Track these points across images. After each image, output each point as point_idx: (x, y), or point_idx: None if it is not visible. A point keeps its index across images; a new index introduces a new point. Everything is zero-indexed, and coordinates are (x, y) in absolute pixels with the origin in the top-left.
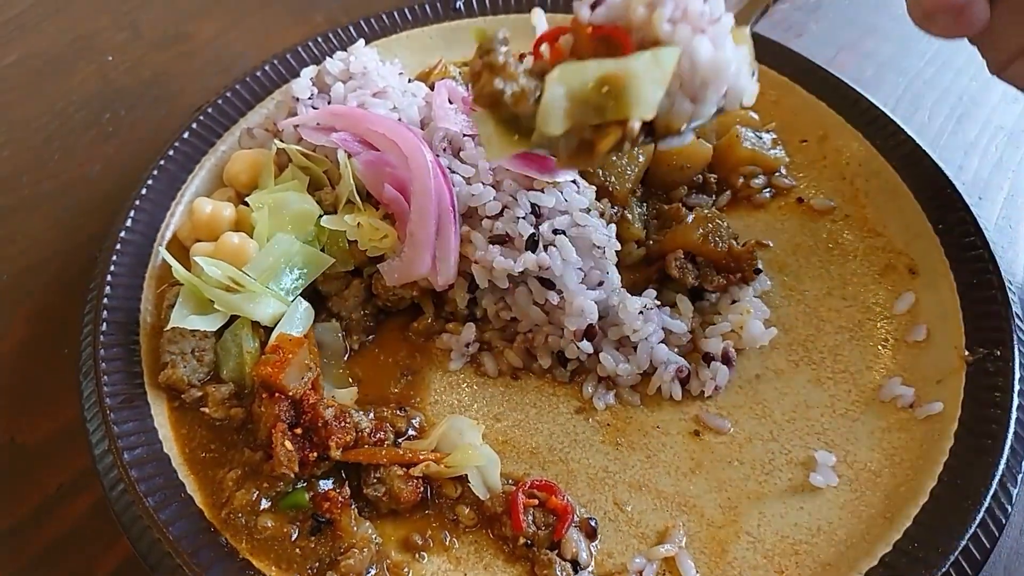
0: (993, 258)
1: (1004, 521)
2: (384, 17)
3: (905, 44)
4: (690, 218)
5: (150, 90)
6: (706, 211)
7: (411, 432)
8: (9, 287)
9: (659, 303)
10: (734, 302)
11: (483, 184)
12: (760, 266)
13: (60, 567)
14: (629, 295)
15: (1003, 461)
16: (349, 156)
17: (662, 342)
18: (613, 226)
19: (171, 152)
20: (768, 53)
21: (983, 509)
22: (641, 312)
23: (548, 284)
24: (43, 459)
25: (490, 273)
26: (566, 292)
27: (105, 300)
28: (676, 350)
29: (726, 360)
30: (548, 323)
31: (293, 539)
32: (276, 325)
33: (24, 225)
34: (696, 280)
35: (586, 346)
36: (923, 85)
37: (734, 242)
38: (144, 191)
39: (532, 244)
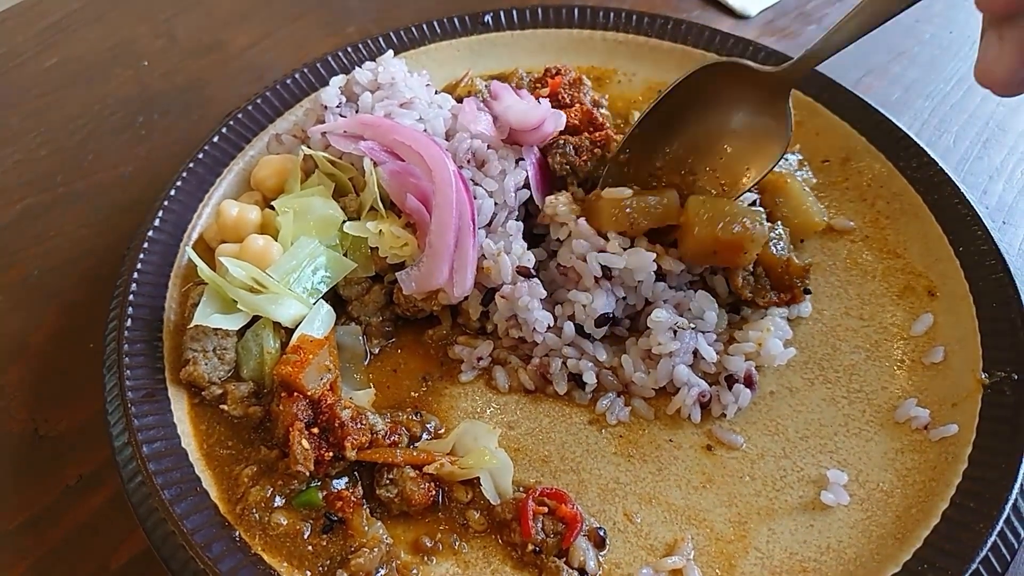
0: (1014, 282)
1: (1017, 546)
2: (413, 29)
3: (933, 68)
4: None
5: (183, 96)
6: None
7: (425, 436)
8: (41, 282)
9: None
10: (763, 318)
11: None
12: (810, 288)
13: (77, 557)
14: (663, 306)
15: (1017, 485)
16: (375, 165)
17: (687, 364)
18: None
19: (200, 155)
20: None
21: (995, 533)
22: (674, 332)
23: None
24: (65, 450)
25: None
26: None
27: (131, 296)
28: (700, 373)
29: (749, 383)
30: (565, 345)
31: (305, 536)
32: (297, 327)
33: (57, 223)
34: (751, 294)
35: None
36: (950, 109)
37: (794, 257)
38: (173, 192)
39: None
